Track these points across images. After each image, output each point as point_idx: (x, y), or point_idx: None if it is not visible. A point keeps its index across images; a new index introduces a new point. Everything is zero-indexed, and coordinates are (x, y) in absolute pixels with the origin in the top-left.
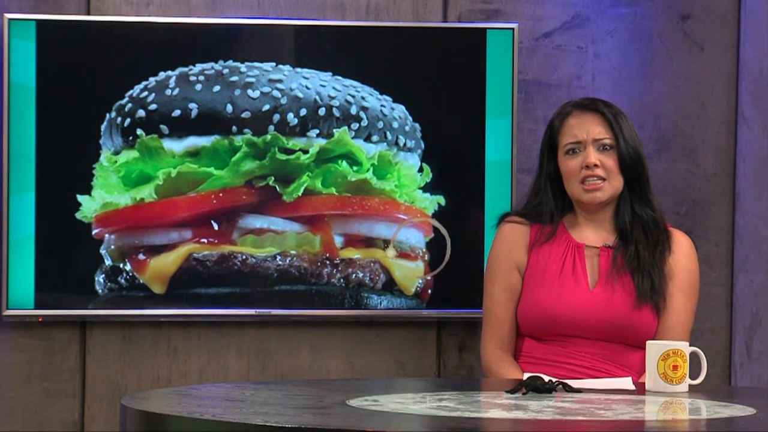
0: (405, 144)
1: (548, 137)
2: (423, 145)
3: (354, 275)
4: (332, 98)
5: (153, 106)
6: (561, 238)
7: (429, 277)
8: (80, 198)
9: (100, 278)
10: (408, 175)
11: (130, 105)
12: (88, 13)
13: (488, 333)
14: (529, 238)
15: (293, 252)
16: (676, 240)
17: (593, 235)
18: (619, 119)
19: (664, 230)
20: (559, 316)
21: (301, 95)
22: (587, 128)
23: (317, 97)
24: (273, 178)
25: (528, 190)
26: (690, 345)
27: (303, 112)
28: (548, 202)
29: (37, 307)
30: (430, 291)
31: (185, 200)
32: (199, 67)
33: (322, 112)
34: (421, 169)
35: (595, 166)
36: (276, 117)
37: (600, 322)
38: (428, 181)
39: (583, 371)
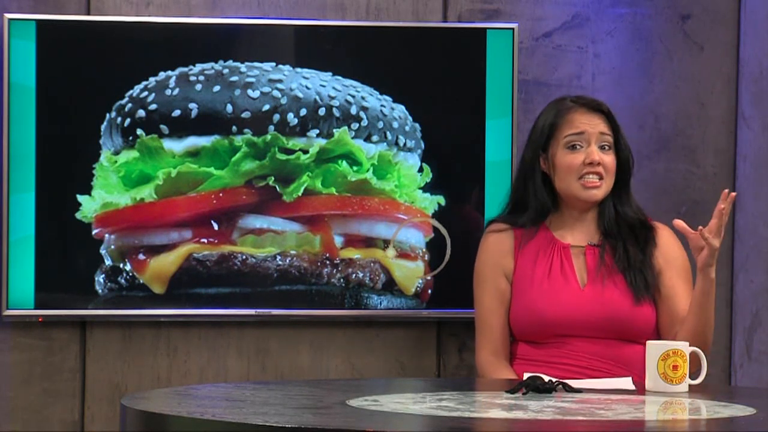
0: (405, 144)
1: (547, 132)
2: (423, 145)
3: (354, 275)
4: (332, 98)
5: (153, 106)
6: (546, 240)
7: (429, 277)
8: (80, 198)
9: (100, 278)
10: (408, 175)
11: (130, 105)
12: (88, 13)
13: (481, 340)
14: (514, 243)
15: (293, 252)
16: (660, 235)
17: (577, 235)
18: (617, 122)
19: (650, 227)
20: (552, 318)
21: (301, 95)
22: (593, 123)
23: (317, 97)
24: (273, 178)
25: (512, 188)
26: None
27: (303, 112)
28: (540, 200)
29: (37, 307)
30: (430, 291)
31: (185, 200)
32: (199, 67)
33: (322, 112)
34: (421, 169)
35: (598, 164)
36: (276, 117)
37: (594, 320)
38: (428, 181)
39: (581, 371)
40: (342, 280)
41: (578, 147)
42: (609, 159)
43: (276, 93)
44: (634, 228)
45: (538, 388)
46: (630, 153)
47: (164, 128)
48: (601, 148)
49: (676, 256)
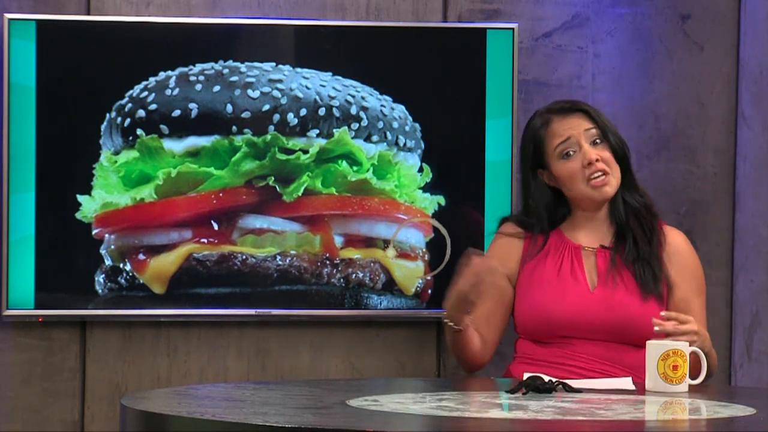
0: (405, 144)
1: (532, 150)
2: (423, 145)
3: (354, 275)
4: (332, 98)
5: (153, 106)
6: (558, 241)
7: (429, 277)
8: (80, 198)
9: (100, 278)
10: (408, 175)
11: (130, 105)
12: (88, 13)
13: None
14: (523, 250)
15: (293, 252)
16: (674, 239)
17: (589, 237)
18: (599, 112)
19: (655, 215)
20: (560, 319)
21: (301, 95)
22: (573, 125)
23: (317, 97)
24: (273, 178)
25: (518, 199)
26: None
27: (303, 112)
28: (540, 217)
29: (37, 307)
30: (430, 291)
31: (185, 200)
32: (199, 67)
33: (322, 112)
34: (421, 169)
35: (597, 161)
36: (276, 117)
37: (602, 323)
38: (428, 181)
39: (583, 372)
40: (342, 280)
41: (571, 153)
42: (605, 152)
43: (276, 93)
44: (640, 217)
45: (538, 388)
46: (621, 138)
47: (164, 128)
48: (593, 143)
49: (691, 268)
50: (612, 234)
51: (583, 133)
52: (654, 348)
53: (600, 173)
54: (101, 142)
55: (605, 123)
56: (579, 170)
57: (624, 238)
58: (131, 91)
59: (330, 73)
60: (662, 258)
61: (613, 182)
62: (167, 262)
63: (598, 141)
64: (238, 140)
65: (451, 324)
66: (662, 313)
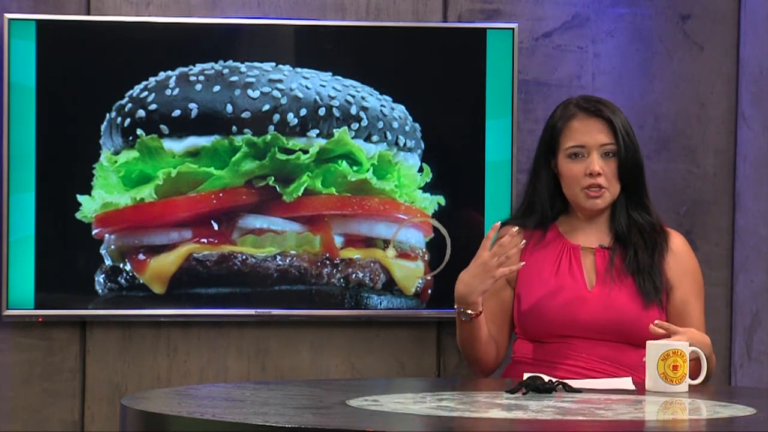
0: (405, 144)
1: (549, 137)
2: (423, 145)
3: (354, 275)
4: (332, 98)
5: (153, 106)
6: (555, 241)
7: (429, 277)
8: (80, 198)
9: (100, 278)
10: (408, 175)
11: (130, 105)
12: (88, 13)
13: None
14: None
15: (293, 252)
16: (673, 241)
17: (588, 237)
18: (622, 124)
19: (660, 232)
20: (557, 317)
21: (301, 95)
22: (592, 134)
23: (317, 97)
24: (273, 178)
25: (523, 189)
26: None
27: (303, 112)
28: (544, 204)
29: (37, 307)
30: (430, 291)
31: (185, 200)
32: (199, 67)
33: (322, 112)
34: (421, 169)
35: (599, 174)
36: (276, 117)
37: (600, 322)
38: (428, 181)
39: (582, 372)
40: (342, 280)
41: (579, 156)
42: (610, 167)
43: (276, 93)
44: (644, 232)
45: (538, 388)
46: (635, 155)
47: (164, 128)
48: (605, 154)
49: (689, 270)
50: (611, 235)
51: (597, 146)
52: (654, 348)
53: (597, 187)
54: (101, 142)
55: (626, 139)
56: (579, 176)
57: (624, 242)
58: (131, 91)
59: (330, 73)
60: (664, 267)
61: (606, 197)
62: (167, 262)
63: (610, 154)
64: (238, 140)
65: (467, 311)
66: (656, 322)
